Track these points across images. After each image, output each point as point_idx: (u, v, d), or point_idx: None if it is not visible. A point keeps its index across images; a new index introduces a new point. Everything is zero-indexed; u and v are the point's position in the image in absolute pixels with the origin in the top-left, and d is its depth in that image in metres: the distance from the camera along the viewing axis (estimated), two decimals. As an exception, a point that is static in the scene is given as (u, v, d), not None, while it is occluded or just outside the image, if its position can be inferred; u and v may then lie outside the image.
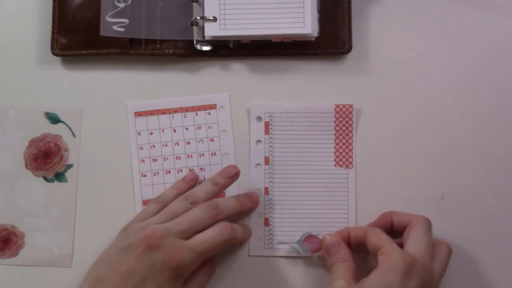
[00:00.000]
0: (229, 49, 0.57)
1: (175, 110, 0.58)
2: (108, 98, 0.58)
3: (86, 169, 0.57)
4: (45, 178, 0.57)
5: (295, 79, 0.58)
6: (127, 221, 0.53)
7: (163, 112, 0.57)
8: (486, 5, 0.58)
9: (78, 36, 0.57)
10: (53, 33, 0.57)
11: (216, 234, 0.50)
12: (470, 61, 0.58)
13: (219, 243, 0.50)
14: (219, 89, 0.58)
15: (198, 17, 0.56)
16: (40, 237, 0.57)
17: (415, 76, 0.58)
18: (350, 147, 0.57)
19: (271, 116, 0.57)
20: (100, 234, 0.55)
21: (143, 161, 0.57)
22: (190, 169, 0.57)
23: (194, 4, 0.56)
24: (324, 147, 0.57)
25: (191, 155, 0.57)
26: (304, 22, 0.54)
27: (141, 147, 0.57)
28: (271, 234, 0.56)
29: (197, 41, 0.57)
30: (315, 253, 0.54)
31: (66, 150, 0.57)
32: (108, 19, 0.56)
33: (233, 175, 0.54)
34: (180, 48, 0.57)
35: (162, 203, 0.54)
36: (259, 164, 0.57)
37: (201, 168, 0.57)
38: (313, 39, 0.56)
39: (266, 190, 0.56)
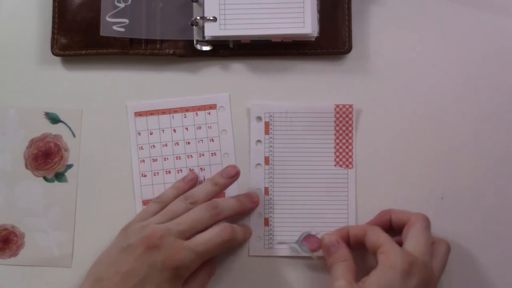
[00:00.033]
0: (229, 49, 0.57)
1: (175, 110, 0.58)
2: (108, 98, 0.58)
3: (86, 169, 0.57)
4: (45, 178, 0.57)
5: (295, 79, 0.58)
6: (127, 221, 0.53)
7: (163, 112, 0.57)
8: (486, 5, 0.58)
9: (78, 36, 0.57)
10: (53, 33, 0.57)
11: (216, 234, 0.50)
12: (470, 61, 0.58)
13: (219, 243, 0.50)
14: (219, 89, 0.58)
15: (198, 17, 0.56)
16: (40, 237, 0.57)
17: (415, 76, 0.58)
18: (350, 147, 0.57)
19: (271, 116, 0.57)
20: (100, 234, 0.55)
21: (143, 161, 0.57)
22: (190, 169, 0.57)
23: (194, 4, 0.56)
24: (324, 147, 0.57)
25: (191, 155, 0.57)
26: (304, 22, 0.54)
27: (141, 147, 0.57)
28: (271, 234, 0.56)
29: (197, 41, 0.57)
30: (314, 252, 0.54)
31: (66, 150, 0.57)
32: (108, 19, 0.56)
33: (233, 175, 0.54)
34: (180, 48, 0.57)
35: (162, 203, 0.54)
36: (259, 164, 0.57)
37: (201, 168, 0.57)
38: (313, 39, 0.56)
39: (266, 190, 0.56)
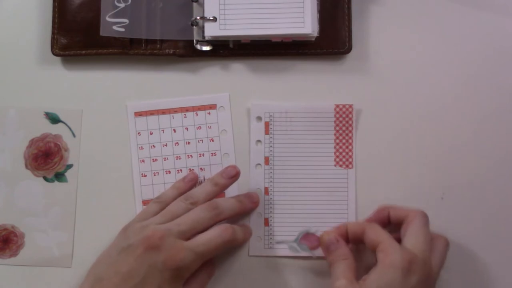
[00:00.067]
0: (229, 49, 0.57)
1: (175, 110, 0.58)
2: (108, 98, 0.58)
3: (86, 169, 0.57)
4: (45, 178, 0.57)
5: (295, 79, 0.58)
6: (127, 221, 0.53)
7: (163, 112, 0.57)
8: (486, 5, 0.58)
9: (78, 36, 0.57)
10: (53, 33, 0.57)
11: (217, 235, 0.50)
12: (470, 61, 0.58)
13: (219, 244, 0.50)
14: (219, 89, 0.58)
15: (198, 17, 0.56)
16: (40, 237, 0.57)
17: (415, 76, 0.58)
18: (350, 147, 0.57)
19: (271, 116, 0.57)
20: (100, 234, 0.55)
21: (143, 161, 0.57)
22: (190, 169, 0.57)
23: (194, 4, 0.56)
24: (324, 147, 0.57)
25: (191, 155, 0.57)
26: (304, 22, 0.54)
27: (141, 147, 0.57)
28: (271, 234, 0.56)
29: (197, 41, 0.57)
30: (313, 250, 0.54)
31: (66, 150, 0.57)
32: (108, 19, 0.56)
33: (233, 175, 0.54)
34: (180, 48, 0.57)
35: (162, 203, 0.54)
36: (259, 164, 0.57)
37: (201, 168, 0.57)
38: (313, 39, 0.56)
39: (266, 190, 0.56)
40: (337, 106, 0.57)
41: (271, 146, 0.57)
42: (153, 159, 0.57)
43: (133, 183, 0.57)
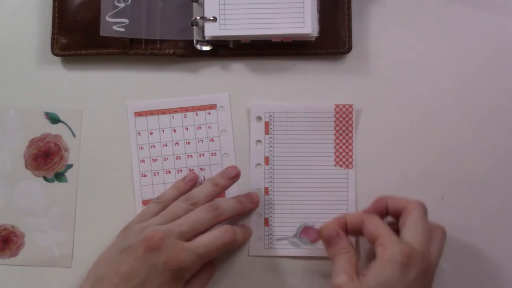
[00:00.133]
0: (229, 49, 0.57)
1: (175, 110, 0.58)
2: (108, 98, 0.58)
3: (86, 169, 0.57)
4: (45, 178, 0.57)
5: (295, 79, 0.58)
6: (127, 221, 0.53)
7: (163, 112, 0.57)
8: (486, 5, 0.58)
9: (78, 36, 0.57)
10: (53, 33, 0.57)
11: (217, 237, 0.50)
12: (470, 61, 0.58)
13: (220, 246, 0.50)
14: (219, 89, 0.58)
15: (198, 17, 0.56)
16: (40, 237, 0.57)
17: (415, 76, 0.58)
18: (350, 147, 0.57)
19: (271, 116, 0.57)
20: (100, 234, 0.55)
21: (143, 161, 0.57)
22: (190, 169, 0.57)
23: (194, 4, 0.56)
24: (324, 147, 0.57)
25: (191, 155, 0.57)
26: (304, 22, 0.54)
27: (141, 147, 0.57)
28: (271, 234, 0.56)
29: (197, 41, 0.57)
30: (314, 243, 0.54)
31: (66, 150, 0.57)
32: (108, 19, 0.56)
33: (233, 176, 0.54)
34: (180, 48, 0.57)
35: (162, 203, 0.54)
36: (259, 164, 0.57)
37: (201, 168, 0.57)
38: (313, 39, 0.56)
39: (266, 190, 0.56)
40: (337, 106, 0.57)
41: (271, 146, 0.57)
42: (153, 159, 0.57)
43: (133, 183, 0.57)
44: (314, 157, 0.57)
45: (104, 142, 0.57)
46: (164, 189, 0.56)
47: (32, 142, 0.57)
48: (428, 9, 0.58)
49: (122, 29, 0.56)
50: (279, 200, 0.56)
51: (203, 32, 0.55)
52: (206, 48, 0.57)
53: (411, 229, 0.49)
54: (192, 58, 0.58)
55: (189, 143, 0.57)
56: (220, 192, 0.54)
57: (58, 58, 0.58)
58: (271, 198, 0.56)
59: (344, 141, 0.57)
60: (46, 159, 0.57)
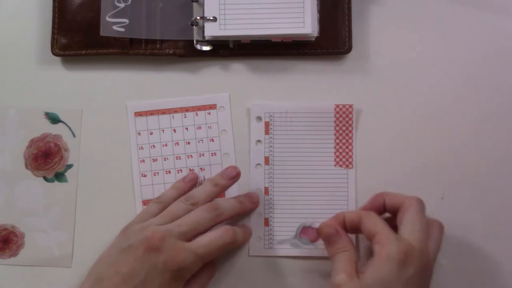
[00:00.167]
0: (229, 49, 0.57)
1: (175, 110, 0.58)
2: (108, 98, 0.58)
3: (86, 169, 0.57)
4: (45, 178, 0.57)
5: (295, 79, 0.58)
6: (127, 221, 0.53)
7: (163, 112, 0.57)
8: (486, 5, 0.58)
9: (78, 36, 0.57)
10: (53, 33, 0.57)
11: (218, 237, 0.50)
12: (470, 61, 0.58)
13: (220, 246, 0.50)
14: (219, 89, 0.58)
15: (198, 17, 0.56)
16: (40, 237, 0.57)
17: (415, 76, 0.58)
18: (350, 147, 0.57)
19: (271, 116, 0.57)
20: (100, 234, 0.55)
21: (143, 161, 0.57)
22: (190, 169, 0.57)
23: (194, 4, 0.56)
24: (324, 147, 0.57)
25: (191, 155, 0.57)
26: (304, 22, 0.54)
27: (141, 147, 0.57)
28: (271, 234, 0.56)
29: (197, 41, 0.57)
30: (315, 242, 0.54)
31: (66, 150, 0.57)
32: (108, 19, 0.56)
33: (233, 176, 0.54)
34: (180, 48, 0.57)
35: (162, 203, 0.54)
36: (259, 164, 0.57)
37: (201, 168, 0.57)
38: (313, 39, 0.56)
39: (266, 190, 0.56)
40: (337, 106, 0.57)
41: (271, 146, 0.57)
42: (153, 159, 0.57)
43: (133, 183, 0.57)
44: (314, 157, 0.57)
45: (104, 142, 0.57)
46: (164, 189, 0.56)
47: (32, 142, 0.57)
48: (428, 9, 0.58)
49: (122, 29, 0.56)
50: (279, 200, 0.56)
51: (203, 32, 0.55)
52: (206, 48, 0.57)
53: (408, 226, 0.49)
54: (192, 58, 0.58)
55: (189, 143, 0.57)
56: (220, 192, 0.54)
57: (58, 58, 0.58)
58: (271, 198, 0.56)
59: (344, 141, 0.57)
60: (46, 159, 0.57)
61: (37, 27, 0.58)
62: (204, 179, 0.57)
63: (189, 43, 0.57)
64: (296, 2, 0.54)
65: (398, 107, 0.57)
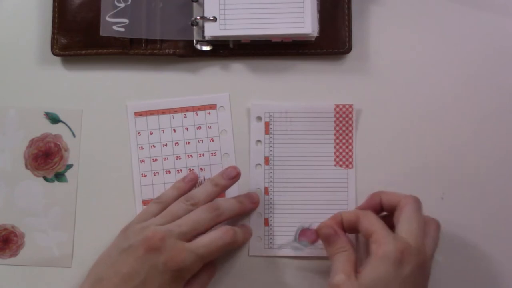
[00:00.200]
0: (229, 49, 0.57)
1: (175, 110, 0.58)
2: (108, 98, 0.58)
3: (86, 169, 0.57)
4: (45, 178, 0.57)
5: (295, 79, 0.58)
6: (127, 221, 0.53)
7: (163, 112, 0.57)
8: (486, 5, 0.58)
9: (78, 36, 0.57)
10: (53, 33, 0.57)
11: (218, 237, 0.50)
12: (470, 61, 0.58)
13: (220, 246, 0.50)
14: (219, 89, 0.58)
15: (198, 17, 0.56)
16: (40, 237, 0.57)
17: (415, 76, 0.58)
18: (350, 147, 0.57)
19: (271, 116, 0.57)
20: (100, 234, 0.55)
21: (143, 161, 0.57)
22: (190, 169, 0.57)
23: (194, 4, 0.56)
24: (324, 147, 0.57)
25: (191, 155, 0.57)
26: (304, 22, 0.54)
27: (141, 147, 0.57)
28: (271, 234, 0.56)
29: (197, 41, 0.57)
30: (314, 244, 0.54)
31: (66, 150, 0.57)
32: (108, 19, 0.56)
33: (233, 176, 0.54)
34: (180, 48, 0.57)
35: (162, 203, 0.54)
36: (259, 164, 0.57)
37: (201, 168, 0.57)
38: (313, 39, 0.56)
39: (266, 190, 0.56)
40: (337, 106, 0.57)
41: (271, 146, 0.57)
42: (153, 159, 0.57)
43: (133, 183, 0.57)
44: (314, 157, 0.57)
45: (104, 142, 0.57)
46: (164, 189, 0.56)
47: (32, 142, 0.57)
48: (428, 9, 0.58)
49: (122, 29, 0.56)
50: (279, 200, 0.56)
51: (203, 32, 0.55)
52: (206, 48, 0.57)
53: (405, 224, 0.49)
54: (192, 58, 0.58)
55: (189, 143, 0.57)
56: (220, 192, 0.54)
57: (58, 58, 0.58)
58: (271, 198, 0.56)
59: (344, 141, 0.57)
60: (46, 159, 0.57)
61: (37, 27, 0.58)
62: (204, 179, 0.57)
63: (189, 43, 0.57)
64: (296, 2, 0.54)
65: (398, 107, 0.57)
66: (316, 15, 0.55)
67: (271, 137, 0.57)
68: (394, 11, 0.58)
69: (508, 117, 0.57)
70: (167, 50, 0.57)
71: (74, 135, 0.58)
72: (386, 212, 0.53)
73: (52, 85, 0.58)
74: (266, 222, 0.56)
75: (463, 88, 0.57)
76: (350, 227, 0.51)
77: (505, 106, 0.57)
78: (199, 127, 0.57)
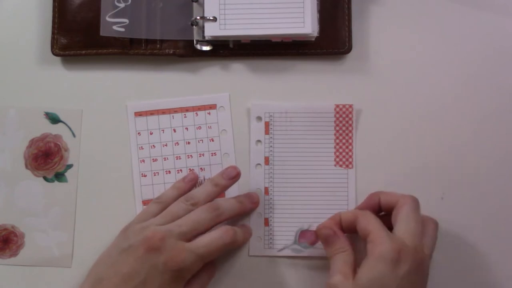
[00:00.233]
0: (229, 49, 0.57)
1: (175, 110, 0.58)
2: (108, 98, 0.58)
3: (86, 169, 0.57)
4: (45, 178, 0.57)
5: (295, 79, 0.58)
6: (127, 221, 0.53)
7: (163, 112, 0.57)
8: (486, 5, 0.58)
9: (78, 36, 0.57)
10: (53, 33, 0.57)
11: (218, 237, 0.50)
12: (470, 61, 0.58)
13: (220, 246, 0.50)
14: (219, 89, 0.58)
15: (198, 17, 0.56)
16: (40, 237, 0.57)
17: (415, 76, 0.58)
18: (350, 147, 0.57)
19: (271, 116, 0.57)
20: (100, 234, 0.55)
21: (143, 161, 0.57)
22: (190, 169, 0.57)
23: (194, 4, 0.56)
24: (324, 147, 0.57)
25: (191, 155, 0.57)
26: (304, 22, 0.54)
27: (141, 147, 0.57)
28: (271, 234, 0.56)
29: (197, 41, 0.56)
30: (314, 245, 0.54)
31: (66, 150, 0.57)
32: (108, 19, 0.56)
33: (233, 176, 0.54)
34: (180, 48, 0.57)
35: (162, 203, 0.54)
36: (259, 164, 0.57)
37: (201, 168, 0.57)
38: (313, 39, 0.56)
39: (266, 190, 0.56)
40: (337, 106, 0.57)
41: (271, 146, 0.57)
42: (153, 159, 0.57)
43: (133, 183, 0.57)
44: (314, 157, 0.57)
45: (104, 142, 0.57)
46: (164, 189, 0.56)
47: (32, 142, 0.57)
48: (428, 9, 0.58)
49: (122, 29, 0.56)
50: (279, 200, 0.56)
51: (203, 32, 0.55)
52: (206, 48, 0.57)
53: (403, 224, 0.49)
54: (192, 58, 0.58)
55: (189, 143, 0.57)
56: (220, 192, 0.54)
57: (58, 58, 0.58)
58: (271, 198, 0.56)
59: (344, 141, 0.57)
60: (46, 159, 0.57)
61: (37, 27, 0.58)
62: (204, 179, 0.57)
63: (189, 43, 0.57)
64: (296, 2, 0.54)
65: (398, 107, 0.57)
66: (316, 15, 0.55)
67: (271, 137, 0.57)
68: (394, 11, 0.58)
69: (508, 117, 0.57)
70: (167, 50, 0.57)
71: (74, 135, 0.58)
72: (385, 212, 0.53)
73: (52, 85, 0.58)
74: (266, 222, 0.56)
75: (463, 88, 0.57)
76: (348, 227, 0.51)
77: (505, 106, 0.57)
78: (199, 127, 0.57)
